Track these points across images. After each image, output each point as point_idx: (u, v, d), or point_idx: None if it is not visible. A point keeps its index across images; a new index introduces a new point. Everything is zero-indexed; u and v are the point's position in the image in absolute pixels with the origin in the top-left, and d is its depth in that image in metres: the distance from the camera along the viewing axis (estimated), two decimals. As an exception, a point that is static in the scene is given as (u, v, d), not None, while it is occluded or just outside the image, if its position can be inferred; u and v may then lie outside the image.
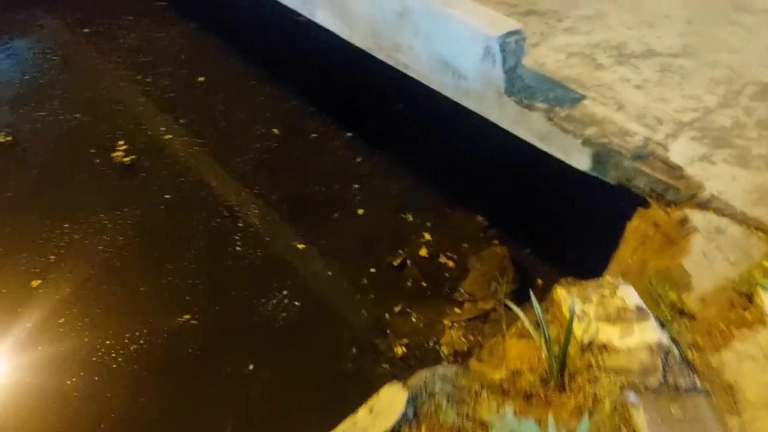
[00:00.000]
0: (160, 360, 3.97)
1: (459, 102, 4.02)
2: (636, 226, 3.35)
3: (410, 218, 4.98)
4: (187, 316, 4.18)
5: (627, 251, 3.34)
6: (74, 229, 4.70)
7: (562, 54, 4.04)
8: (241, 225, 4.89)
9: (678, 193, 3.16)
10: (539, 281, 4.52)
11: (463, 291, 4.46)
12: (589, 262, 3.62)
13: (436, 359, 4.16)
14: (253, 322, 4.26)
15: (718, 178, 3.24)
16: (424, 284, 4.56)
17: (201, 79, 6.21)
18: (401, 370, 4.10)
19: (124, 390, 3.79)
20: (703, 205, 3.09)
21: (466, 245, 4.83)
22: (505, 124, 3.78)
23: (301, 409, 3.79)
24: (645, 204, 3.39)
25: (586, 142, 3.40)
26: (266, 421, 3.78)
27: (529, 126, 3.62)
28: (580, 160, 3.46)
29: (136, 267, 4.50)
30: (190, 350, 4.02)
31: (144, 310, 4.22)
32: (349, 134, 5.75)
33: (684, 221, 3.04)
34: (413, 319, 4.34)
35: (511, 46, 3.50)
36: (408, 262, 4.70)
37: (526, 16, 4.43)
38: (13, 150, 5.40)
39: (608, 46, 4.14)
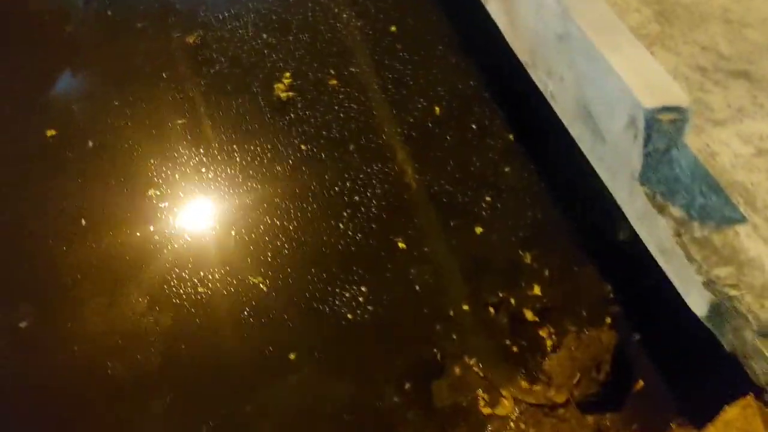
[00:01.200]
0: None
1: (593, 165, 3.26)
2: (732, 418, 2.49)
3: (528, 259, 4.37)
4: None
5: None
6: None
7: (750, 147, 3.01)
8: (355, 200, 4.70)
9: (802, 410, 2.24)
10: (635, 387, 3.73)
11: (543, 369, 3.85)
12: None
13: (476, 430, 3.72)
14: (315, 310, 4.16)
15: None
16: (507, 342, 4.02)
17: (393, 29, 5.89)
18: (431, 425, 3.76)
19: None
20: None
21: (574, 313, 4.12)
22: (630, 217, 2.99)
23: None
24: (759, 394, 2.49)
25: (709, 284, 2.55)
26: None
27: (652, 231, 2.81)
28: (697, 303, 2.63)
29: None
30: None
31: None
32: (511, 137, 5.11)
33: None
34: (475, 375, 3.88)
35: (662, 126, 2.68)
36: (503, 309, 4.16)
37: (732, 78, 3.33)
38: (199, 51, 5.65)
39: None
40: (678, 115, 2.71)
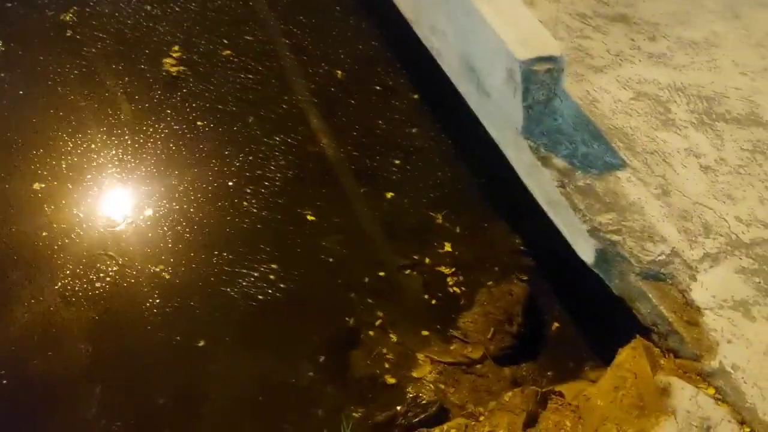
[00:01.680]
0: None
1: (482, 122, 3.18)
2: (623, 360, 2.49)
3: (440, 219, 4.30)
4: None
5: (604, 387, 2.53)
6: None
7: (628, 91, 2.98)
8: (257, 175, 4.52)
9: (681, 343, 2.24)
10: (550, 335, 3.75)
11: (459, 327, 3.82)
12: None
13: (395, 398, 3.67)
14: (222, 294, 3.99)
15: (745, 346, 2.24)
16: (421, 304, 3.97)
17: (286, -6, 5.61)
18: (350, 395, 3.69)
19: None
20: (703, 377, 2.17)
21: (486, 269, 4.09)
22: (520, 172, 2.93)
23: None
24: (647, 334, 2.50)
25: (594, 232, 2.53)
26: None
27: (540, 184, 2.76)
28: (584, 250, 2.62)
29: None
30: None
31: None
32: (416, 96, 4.99)
33: (664, 392, 2.16)
34: (391, 342, 3.82)
35: (538, 77, 2.61)
36: (416, 270, 4.09)
37: (611, 23, 3.29)
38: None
39: (697, 95, 2.98)
40: (553, 65, 2.65)
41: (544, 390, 2.74)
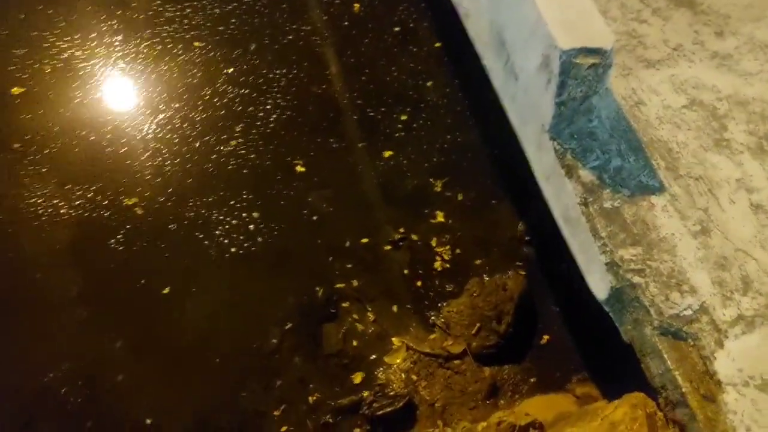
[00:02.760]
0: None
1: (503, 104, 2.74)
2: (618, 419, 2.20)
3: (438, 187, 3.93)
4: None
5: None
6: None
7: (681, 97, 2.53)
8: (250, 112, 4.13)
9: (691, 419, 1.94)
10: (535, 341, 3.48)
11: (442, 315, 3.52)
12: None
13: (362, 383, 3.42)
14: (195, 239, 3.68)
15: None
16: (405, 283, 3.65)
17: None
18: (316, 371, 3.45)
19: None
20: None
21: (483, 253, 3.75)
22: (537, 174, 2.54)
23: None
24: (652, 393, 2.19)
25: (613, 267, 2.17)
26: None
27: (558, 195, 2.38)
28: (597, 284, 2.27)
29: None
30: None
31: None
32: (437, 45, 4.49)
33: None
34: (367, 320, 3.53)
35: (579, 71, 2.16)
36: (404, 243, 3.75)
37: (675, 7, 2.78)
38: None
39: (761, 114, 2.53)
40: (600, 60, 2.19)
41: (522, 425, 2.46)
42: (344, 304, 3.58)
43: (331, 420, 3.26)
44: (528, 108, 2.48)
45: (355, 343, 3.47)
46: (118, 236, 3.67)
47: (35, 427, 3.13)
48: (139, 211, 3.73)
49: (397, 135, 4.11)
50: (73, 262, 3.61)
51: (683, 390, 2.05)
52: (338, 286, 3.60)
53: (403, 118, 4.18)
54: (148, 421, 3.26)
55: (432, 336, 3.50)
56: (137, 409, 3.28)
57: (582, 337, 3.47)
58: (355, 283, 3.61)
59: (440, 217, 3.83)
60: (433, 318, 3.55)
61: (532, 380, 3.42)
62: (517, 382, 3.42)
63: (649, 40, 2.54)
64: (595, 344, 3.32)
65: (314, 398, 3.30)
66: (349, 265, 3.66)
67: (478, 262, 3.72)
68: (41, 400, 3.21)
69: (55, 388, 3.25)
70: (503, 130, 3.92)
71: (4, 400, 3.17)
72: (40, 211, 3.65)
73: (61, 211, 3.68)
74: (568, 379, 3.42)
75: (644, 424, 2.10)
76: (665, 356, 2.10)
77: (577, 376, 3.42)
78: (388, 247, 3.74)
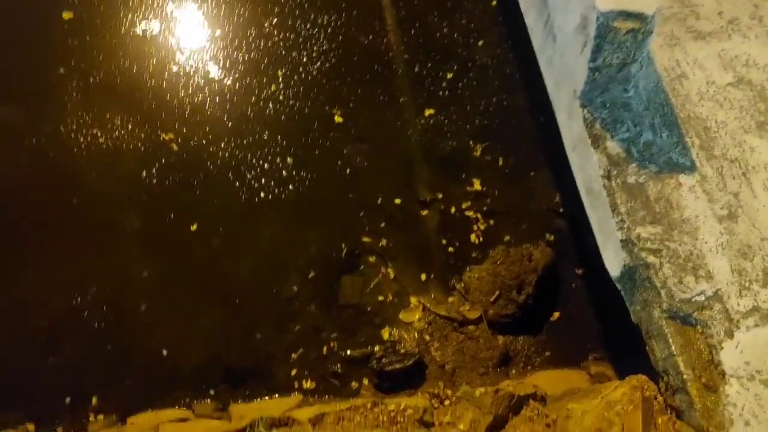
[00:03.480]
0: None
1: (540, 66, 2.61)
2: (616, 398, 2.11)
3: (478, 151, 3.83)
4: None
5: (587, 423, 2.18)
6: None
7: (728, 74, 2.34)
8: (294, 57, 4.09)
9: (689, 407, 1.85)
10: (554, 315, 3.38)
11: (463, 280, 3.47)
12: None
13: (375, 337, 3.43)
14: (227, 179, 3.72)
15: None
16: (431, 244, 3.60)
17: None
18: (330, 320, 3.47)
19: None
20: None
21: (514, 221, 3.65)
22: (566, 141, 2.41)
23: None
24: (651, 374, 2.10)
25: (628, 245, 2.05)
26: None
27: (582, 165, 2.26)
28: (610, 260, 2.16)
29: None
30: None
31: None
32: (493, 3, 4.32)
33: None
34: (387, 276, 3.52)
35: (616, 36, 2.02)
36: (435, 206, 3.69)
37: None
38: None
39: None
40: (641, 25, 2.02)
41: (521, 395, 2.40)
42: (367, 259, 3.54)
43: (340, 370, 3.27)
44: (563, 72, 2.34)
45: (372, 297, 3.45)
46: (152, 170, 3.72)
47: (58, 343, 3.25)
48: (175, 147, 3.77)
49: (441, 94, 4.00)
50: (106, 191, 3.70)
51: (684, 377, 1.93)
52: (364, 240, 3.55)
53: (449, 76, 4.06)
54: (164, 352, 3.35)
55: (450, 299, 3.44)
56: (156, 339, 3.37)
57: (602, 315, 3.35)
58: (382, 241, 3.57)
59: (477, 184, 3.72)
60: (453, 282, 3.49)
61: (545, 354, 3.34)
62: (530, 354, 3.33)
63: (702, 11, 2.33)
64: (615, 324, 3.19)
65: (326, 347, 3.31)
66: (378, 223, 3.63)
67: (508, 230, 3.61)
68: (66, 320, 3.34)
69: (80, 309, 3.36)
70: (542, 95, 3.76)
71: (31, 314, 3.30)
72: (79, 138, 3.73)
73: (99, 140, 3.75)
74: (584, 357, 3.32)
75: (639, 406, 2.01)
76: (670, 340, 1.98)
77: (594, 354, 3.31)
78: (419, 208, 3.66)
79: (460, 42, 4.16)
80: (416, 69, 4.07)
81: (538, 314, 3.38)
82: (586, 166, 2.23)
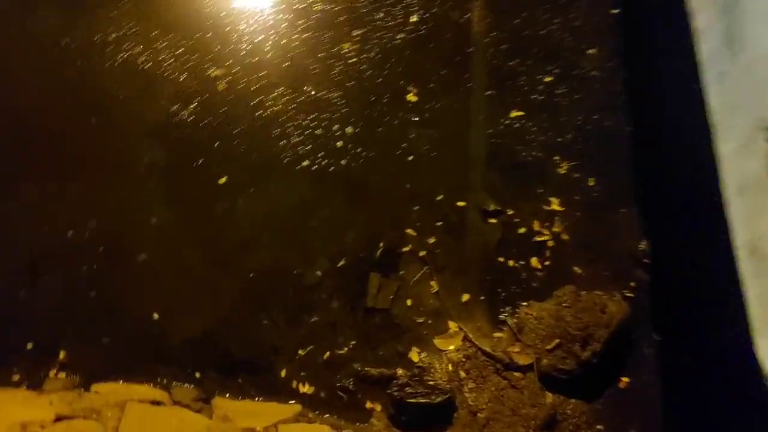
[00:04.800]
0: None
1: (705, 80, 2.00)
2: None
3: (564, 168, 3.28)
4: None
5: None
6: None
7: None
8: (377, 20, 3.59)
9: None
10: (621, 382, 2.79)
11: (516, 315, 2.88)
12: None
13: (400, 358, 2.86)
14: (270, 136, 3.18)
15: None
16: (488, 263, 3.03)
17: None
18: (351, 325, 2.90)
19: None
20: None
21: (589, 259, 3.06)
22: (727, 181, 1.80)
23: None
24: None
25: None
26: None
27: (750, 216, 1.64)
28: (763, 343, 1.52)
29: None
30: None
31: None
32: (614, 12, 3.74)
33: None
34: (428, 287, 2.96)
35: None
36: (500, 219, 3.11)
37: None
38: None
39: None
40: None
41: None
42: (409, 262, 2.95)
43: (351, 386, 2.71)
44: (744, 92, 1.73)
45: (405, 309, 2.86)
46: (190, 105, 3.21)
47: (36, 275, 2.74)
48: (221, 86, 3.26)
49: (533, 96, 3.43)
50: (133, 117, 3.19)
51: None
52: (410, 239, 2.97)
53: (548, 79, 3.49)
54: (155, 316, 2.84)
55: (498, 335, 2.85)
56: (148, 297, 2.85)
57: (678, 397, 2.71)
58: (431, 245, 2.98)
59: (555, 204, 3.12)
60: (505, 315, 2.89)
61: (598, 427, 2.71)
62: (581, 423, 2.72)
63: None
64: (690, 408, 2.56)
65: (340, 352, 2.74)
66: (432, 222, 3.04)
67: (579, 268, 3.01)
68: (53, 250, 2.84)
69: (72, 243, 2.89)
70: (665, 125, 3.15)
71: (15, 234, 2.79)
72: (116, 52, 3.22)
73: (139, 59, 3.24)
74: None
75: None
76: None
77: None
78: (483, 217, 3.07)
79: (569, 45, 3.57)
80: (512, 63, 3.50)
81: (600, 378, 2.76)
82: (757, 219, 1.62)
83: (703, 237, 2.52)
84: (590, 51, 3.58)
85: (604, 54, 3.58)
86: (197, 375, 2.72)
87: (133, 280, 2.86)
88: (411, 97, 3.37)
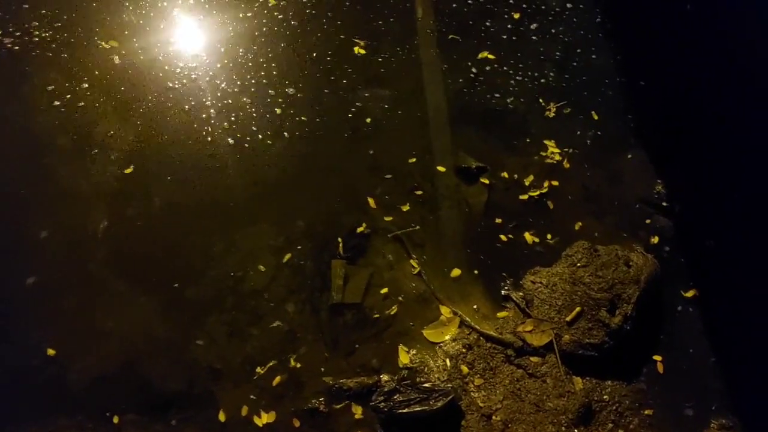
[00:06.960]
0: None
1: None
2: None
3: (552, 112, 2.73)
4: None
5: None
6: None
7: None
8: None
9: None
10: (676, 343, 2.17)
11: (521, 286, 2.24)
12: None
13: (386, 359, 2.15)
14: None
15: None
16: (474, 222, 2.39)
17: None
18: (317, 329, 2.21)
19: None
20: None
21: (596, 212, 2.44)
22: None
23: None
24: None
25: None
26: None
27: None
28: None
29: None
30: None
31: None
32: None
33: None
34: (406, 268, 2.30)
35: None
36: (484, 177, 2.48)
37: None
38: None
39: None
40: None
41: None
42: (378, 242, 2.31)
43: (323, 407, 2.01)
44: None
45: (381, 299, 2.20)
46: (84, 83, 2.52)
47: None
48: (117, 59, 2.57)
49: (503, 36, 2.88)
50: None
51: None
52: (376, 214, 2.33)
53: (516, 16, 2.92)
54: (50, 352, 2.09)
55: (502, 314, 2.21)
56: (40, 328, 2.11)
57: (726, 360, 2.11)
58: (403, 219, 2.34)
59: (548, 153, 2.53)
60: (507, 289, 2.25)
61: (645, 412, 2.06)
62: (624, 410, 2.07)
63: None
64: (747, 375, 1.95)
65: (302, 367, 2.05)
66: (400, 193, 2.42)
67: (585, 221, 2.39)
68: None
69: None
70: (658, 58, 2.63)
71: None
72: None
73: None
74: (704, 423, 2.06)
75: None
76: None
77: (718, 420, 2.05)
78: (461, 179, 2.46)
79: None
80: (471, 1, 2.92)
81: (636, 350, 2.12)
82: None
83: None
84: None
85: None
86: (115, 420, 1.98)
87: (20, 306, 2.13)
88: (359, 50, 2.78)
